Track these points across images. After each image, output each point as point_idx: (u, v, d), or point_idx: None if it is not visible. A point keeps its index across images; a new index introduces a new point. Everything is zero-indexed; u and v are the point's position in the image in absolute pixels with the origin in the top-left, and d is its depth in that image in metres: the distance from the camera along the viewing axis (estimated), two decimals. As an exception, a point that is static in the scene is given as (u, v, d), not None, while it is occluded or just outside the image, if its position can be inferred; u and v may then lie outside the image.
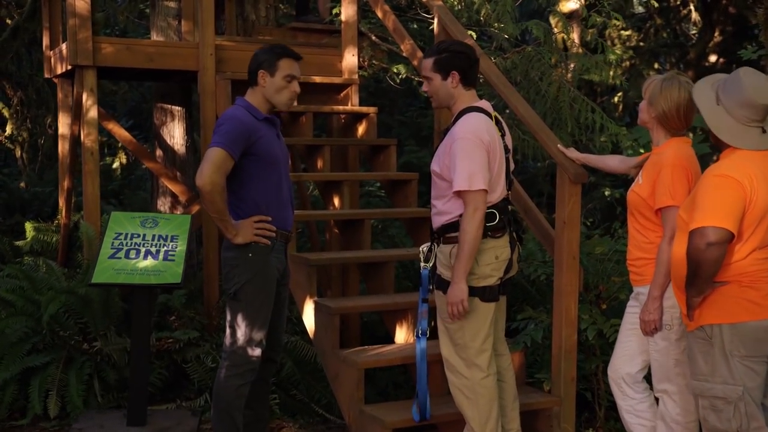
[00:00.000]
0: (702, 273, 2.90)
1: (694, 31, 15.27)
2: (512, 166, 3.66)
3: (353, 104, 5.87)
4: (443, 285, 3.50)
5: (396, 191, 5.36)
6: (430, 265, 3.62)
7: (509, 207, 3.61)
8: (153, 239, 4.45)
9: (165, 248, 4.41)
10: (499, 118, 3.59)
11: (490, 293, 3.48)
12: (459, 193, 3.37)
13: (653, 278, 3.30)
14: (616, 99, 13.82)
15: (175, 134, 6.78)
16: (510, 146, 3.63)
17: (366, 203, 7.90)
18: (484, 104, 3.55)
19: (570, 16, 9.79)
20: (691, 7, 14.10)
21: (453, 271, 3.38)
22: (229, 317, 3.60)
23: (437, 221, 3.54)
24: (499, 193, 3.48)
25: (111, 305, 4.91)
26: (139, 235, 4.45)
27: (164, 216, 4.64)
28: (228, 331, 3.61)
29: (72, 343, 4.75)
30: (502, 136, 3.54)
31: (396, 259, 4.80)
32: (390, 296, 4.58)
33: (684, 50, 14.63)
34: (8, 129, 10.51)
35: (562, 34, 5.84)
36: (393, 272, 4.71)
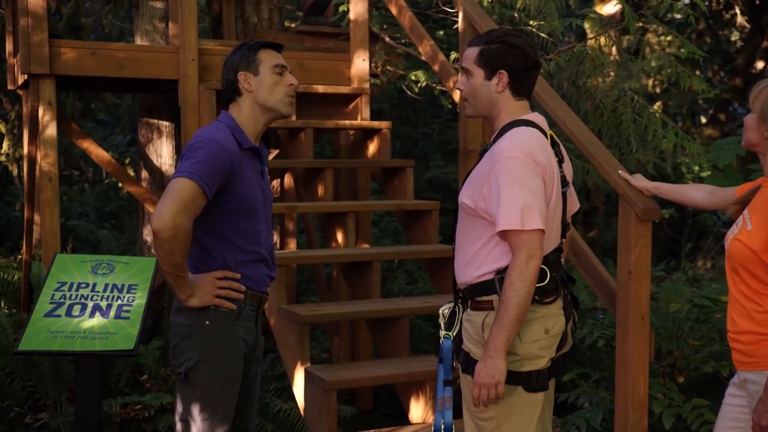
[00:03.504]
0: None
1: (735, 37, 14.27)
2: (576, 205, 2.71)
3: (363, 118, 4.95)
4: (472, 366, 2.54)
5: (413, 223, 4.41)
6: (454, 333, 2.66)
7: (562, 260, 2.64)
8: (105, 290, 3.53)
9: (119, 302, 3.49)
10: (556, 138, 2.62)
11: (538, 380, 2.51)
12: (505, 234, 2.42)
13: (774, 366, 2.32)
14: (656, 107, 12.84)
15: (163, 153, 5.90)
16: (569, 177, 2.66)
17: (381, 232, 6.93)
18: (537, 118, 2.58)
19: (607, 21, 9.06)
20: (737, 11, 13.12)
21: (489, 341, 2.42)
22: (179, 407, 2.67)
23: (465, 275, 2.58)
24: (550, 241, 2.52)
25: (64, 366, 4.01)
26: (87, 285, 3.53)
27: (122, 259, 3.72)
28: (179, 425, 2.68)
29: (11, 415, 3.85)
30: (560, 162, 2.58)
31: (410, 312, 3.84)
32: (404, 361, 3.62)
33: (727, 56, 13.66)
34: (5, 146, 9.74)
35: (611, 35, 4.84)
36: (408, 328, 3.76)
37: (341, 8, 5.30)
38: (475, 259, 2.53)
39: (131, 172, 9.90)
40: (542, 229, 2.39)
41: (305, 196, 4.89)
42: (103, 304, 3.46)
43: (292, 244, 5.87)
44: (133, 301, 3.52)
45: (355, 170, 4.88)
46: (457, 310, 2.66)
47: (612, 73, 3.85)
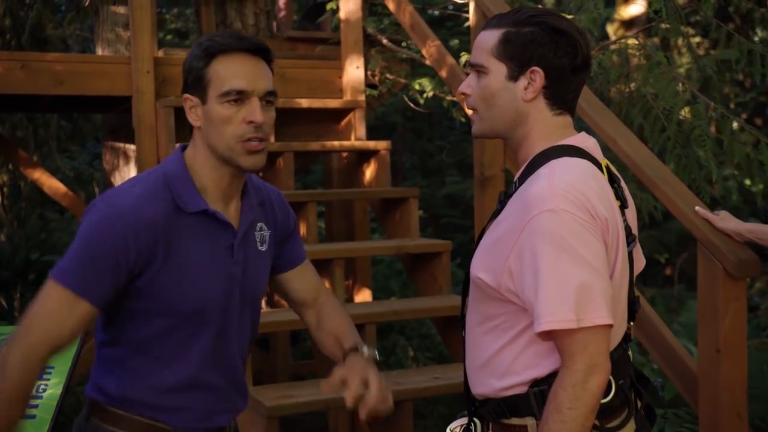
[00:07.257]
0: None
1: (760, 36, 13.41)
2: (641, 263, 1.80)
3: (358, 137, 4.07)
4: None
5: (419, 268, 3.53)
6: (469, 464, 1.78)
7: (630, 354, 1.74)
8: (9, 376, 2.68)
9: (25, 393, 2.64)
10: (615, 172, 1.73)
11: None
12: (551, 334, 1.53)
13: None
14: (685, 113, 11.92)
15: (130, 181, 5.08)
16: (635, 227, 1.74)
17: (385, 276, 6.02)
18: (586, 142, 1.66)
19: (631, 23, 8.47)
20: (770, 8, 12.22)
21: None
22: None
23: (483, 385, 1.68)
24: (615, 331, 1.61)
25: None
26: (-15, 370, 2.69)
27: (38, 331, 2.87)
28: None
29: None
30: (622, 207, 1.68)
31: (414, 395, 2.94)
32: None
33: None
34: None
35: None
36: (411, 414, 2.87)
37: (329, 6, 4.44)
38: (497, 362, 1.64)
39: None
40: (610, 323, 1.50)
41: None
42: (4, 396, 2.60)
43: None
44: (44, 390, 2.65)
45: (350, 202, 4.01)
46: (472, 427, 1.78)
47: (683, 82, 2.94)
